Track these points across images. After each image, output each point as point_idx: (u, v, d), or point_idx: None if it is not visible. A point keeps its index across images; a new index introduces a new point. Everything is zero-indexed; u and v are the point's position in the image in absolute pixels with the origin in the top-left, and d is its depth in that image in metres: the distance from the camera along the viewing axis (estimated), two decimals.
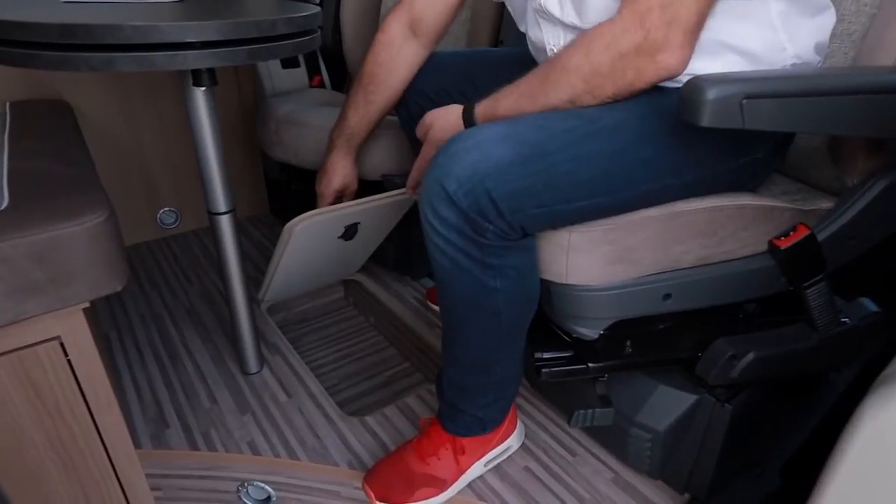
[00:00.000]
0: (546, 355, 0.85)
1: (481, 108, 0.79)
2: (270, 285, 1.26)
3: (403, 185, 1.13)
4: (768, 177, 0.89)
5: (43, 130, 1.05)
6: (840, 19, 0.82)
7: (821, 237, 0.79)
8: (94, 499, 0.78)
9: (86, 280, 0.66)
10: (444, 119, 0.84)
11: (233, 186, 1.02)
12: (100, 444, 0.76)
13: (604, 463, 0.98)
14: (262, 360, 1.19)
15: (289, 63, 1.58)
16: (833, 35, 0.80)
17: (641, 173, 0.72)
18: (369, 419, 1.07)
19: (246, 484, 0.94)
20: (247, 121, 1.77)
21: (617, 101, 0.71)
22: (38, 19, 0.71)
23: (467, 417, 0.88)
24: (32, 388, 0.68)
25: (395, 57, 1.01)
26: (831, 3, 0.77)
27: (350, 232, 1.20)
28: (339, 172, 1.13)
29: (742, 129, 0.60)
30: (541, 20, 0.83)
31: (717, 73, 0.63)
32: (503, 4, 1.00)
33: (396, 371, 1.28)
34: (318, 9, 0.93)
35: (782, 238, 0.78)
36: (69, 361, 0.70)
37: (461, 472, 0.92)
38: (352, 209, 1.12)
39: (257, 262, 1.62)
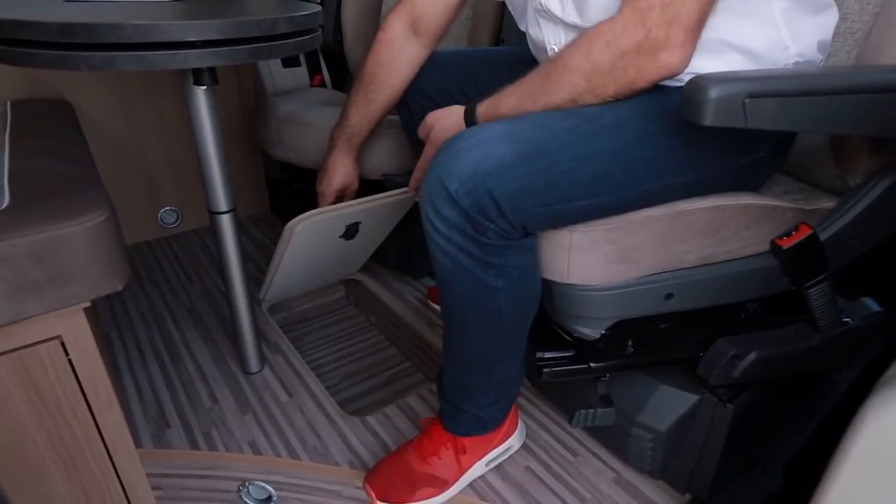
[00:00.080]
0: (547, 355, 0.85)
1: (483, 109, 0.78)
2: (271, 285, 1.26)
3: (404, 185, 1.13)
4: (770, 176, 0.89)
5: (43, 130, 1.05)
6: (843, 18, 0.82)
7: (823, 237, 0.78)
8: (94, 498, 0.78)
9: (87, 279, 0.66)
10: (446, 120, 0.83)
11: (234, 186, 1.02)
12: (101, 444, 0.76)
13: (605, 463, 0.98)
14: (263, 360, 1.19)
15: (290, 62, 1.58)
16: (836, 34, 0.80)
17: (643, 172, 0.72)
18: (370, 419, 1.07)
19: (247, 483, 0.94)
20: (248, 120, 1.77)
21: (618, 100, 0.71)
22: (38, 18, 0.71)
23: (468, 417, 0.88)
24: (33, 387, 0.68)
25: (396, 56, 1.01)
26: (833, 2, 0.77)
27: (351, 231, 1.20)
28: (340, 172, 1.13)
29: (744, 129, 0.60)
30: (541, 19, 0.83)
31: (719, 72, 0.62)
32: (504, 3, 0.99)
33: (397, 370, 1.28)
34: (318, 8, 0.93)
35: (784, 238, 0.77)
36: (70, 361, 0.70)
37: (462, 471, 0.91)
38: (353, 209, 1.12)
39: (258, 262, 1.62)
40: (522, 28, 0.93)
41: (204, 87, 0.91)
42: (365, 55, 1.03)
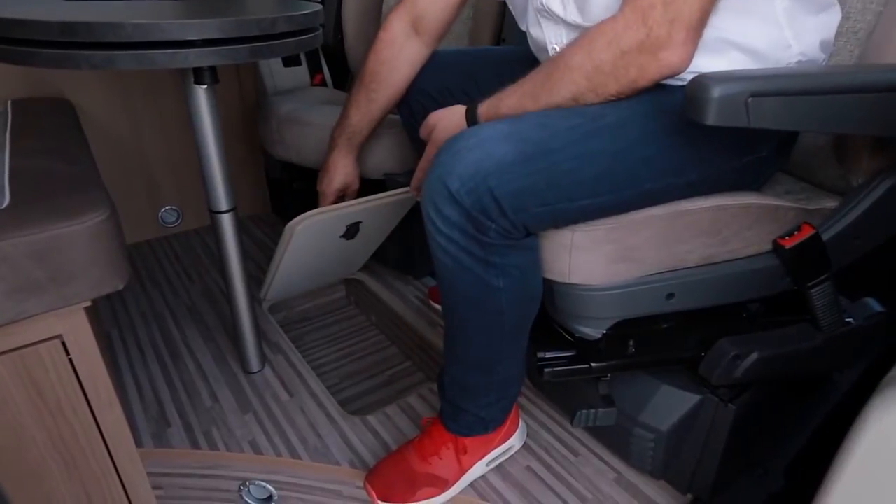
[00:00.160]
0: (548, 355, 0.85)
1: (484, 108, 0.78)
2: (272, 284, 1.26)
3: (405, 184, 1.13)
4: (772, 176, 0.89)
5: (44, 129, 1.05)
6: (845, 17, 0.81)
7: (825, 237, 0.78)
8: (95, 498, 0.78)
9: (87, 279, 0.66)
10: (448, 119, 0.83)
11: (234, 185, 1.02)
12: (101, 443, 0.76)
13: (606, 463, 0.98)
14: (263, 359, 1.19)
15: (290, 61, 1.58)
16: (838, 33, 0.80)
17: (645, 172, 0.71)
18: (371, 418, 1.06)
19: (247, 483, 0.94)
20: (248, 119, 1.77)
21: (620, 99, 0.71)
22: (39, 17, 0.71)
23: (469, 417, 0.88)
24: (34, 386, 0.68)
25: (397, 55, 1.01)
26: (836, 1, 0.77)
27: (352, 231, 1.20)
28: (341, 171, 1.13)
29: (747, 128, 0.59)
30: (542, 19, 0.83)
31: (722, 71, 0.62)
32: (505, 3, 0.99)
33: (398, 370, 1.28)
34: (319, 7, 0.93)
35: (787, 237, 0.77)
36: (70, 360, 0.70)
37: (463, 471, 0.91)
38: (353, 208, 1.12)
39: (259, 261, 1.62)
40: (523, 28, 0.93)
41: (204, 87, 0.91)
42: (366, 54, 1.03)
